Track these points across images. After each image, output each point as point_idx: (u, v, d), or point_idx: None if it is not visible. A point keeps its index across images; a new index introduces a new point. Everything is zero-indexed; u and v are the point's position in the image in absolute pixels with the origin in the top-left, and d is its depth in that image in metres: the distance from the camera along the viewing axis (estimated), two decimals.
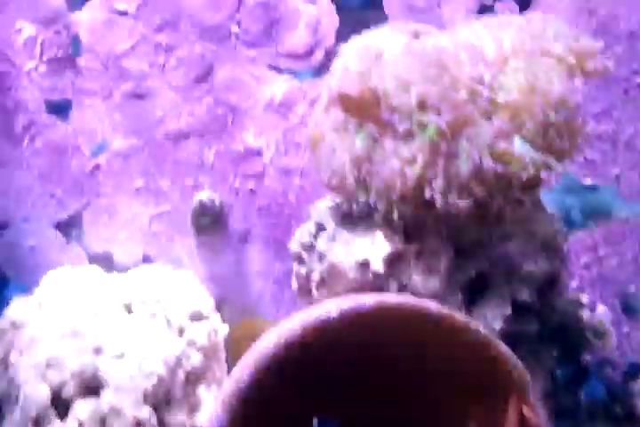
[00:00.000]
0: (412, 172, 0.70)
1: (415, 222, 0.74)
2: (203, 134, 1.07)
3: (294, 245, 0.87)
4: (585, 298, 0.87)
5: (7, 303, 0.97)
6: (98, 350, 0.74)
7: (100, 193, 1.08)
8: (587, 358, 0.83)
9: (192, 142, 1.07)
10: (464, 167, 0.67)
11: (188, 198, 1.06)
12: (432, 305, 0.66)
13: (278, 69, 1.07)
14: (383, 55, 0.77)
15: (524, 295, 0.73)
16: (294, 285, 0.89)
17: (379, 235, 0.77)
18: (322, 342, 0.67)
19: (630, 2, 0.99)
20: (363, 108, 0.77)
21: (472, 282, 0.74)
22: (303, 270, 0.86)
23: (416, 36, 0.81)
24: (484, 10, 1.02)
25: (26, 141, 1.07)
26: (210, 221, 1.01)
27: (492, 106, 0.67)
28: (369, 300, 0.66)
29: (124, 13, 1.07)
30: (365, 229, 0.80)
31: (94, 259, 1.06)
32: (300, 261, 0.86)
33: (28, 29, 1.07)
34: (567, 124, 0.65)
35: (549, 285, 0.74)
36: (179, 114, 1.07)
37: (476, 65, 0.68)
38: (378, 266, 0.75)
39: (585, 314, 0.84)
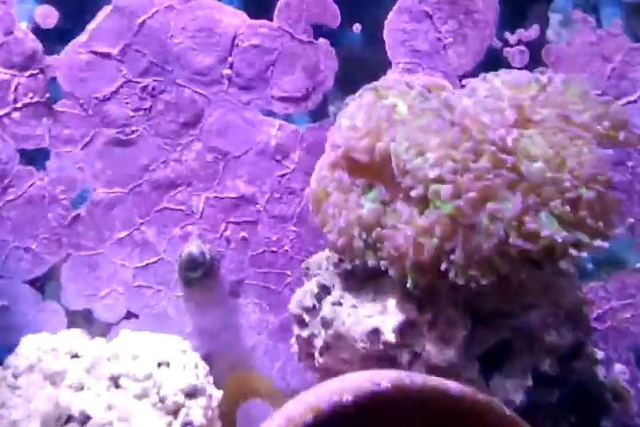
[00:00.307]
0: (430, 243, 0.66)
1: (430, 290, 0.70)
2: (191, 182, 1.02)
3: (295, 307, 0.82)
4: (600, 355, 0.84)
5: None
6: None
7: (80, 246, 1.01)
8: (607, 424, 0.79)
9: (180, 190, 1.02)
10: (486, 243, 0.63)
11: (175, 249, 1.01)
12: (453, 386, 0.62)
13: (273, 114, 1.03)
14: (394, 112, 0.73)
15: (546, 366, 0.69)
16: (295, 348, 0.84)
17: (390, 302, 0.73)
18: (335, 424, 0.62)
19: None
20: (371, 170, 0.73)
21: (491, 352, 0.70)
22: (305, 334, 0.81)
23: (428, 90, 0.78)
24: (492, 53, 1.00)
25: None
26: (200, 275, 0.96)
27: (515, 174, 0.63)
28: (385, 381, 0.61)
29: (106, 56, 1.01)
30: (374, 293, 0.75)
31: (73, 317, 0.99)
32: (302, 324, 0.82)
33: (0, 73, 1.01)
34: (600, 201, 0.61)
35: (573, 355, 0.71)
36: (166, 161, 1.02)
37: (497, 128, 0.64)
38: (389, 335, 0.71)
39: (602, 374, 0.80)
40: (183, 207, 1.02)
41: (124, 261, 1.01)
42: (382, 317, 0.72)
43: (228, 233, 1.02)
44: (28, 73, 1.00)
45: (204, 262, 0.96)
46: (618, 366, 0.90)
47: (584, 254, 0.62)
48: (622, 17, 0.97)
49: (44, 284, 1.00)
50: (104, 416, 0.71)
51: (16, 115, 1.00)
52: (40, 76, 1.01)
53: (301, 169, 1.02)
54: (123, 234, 1.01)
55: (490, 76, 0.74)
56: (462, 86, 0.79)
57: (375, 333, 0.72)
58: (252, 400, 0.98)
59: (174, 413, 0.74)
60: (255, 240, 1.02)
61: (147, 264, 1.01)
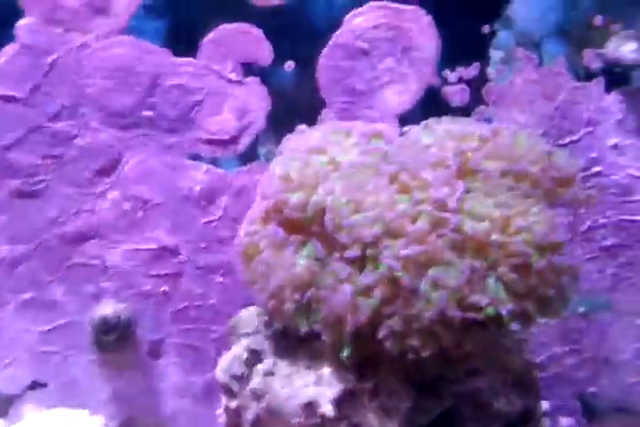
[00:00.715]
0: (368, 305, 0.60)
1: (370, 357, 0.64)
2: (106, 234, 0.93)
3: (222, 375, 0.74)
4: (545, 405, 0.79)
5: None
6: None
7: None
8: None
9: (93, 244, 0.93)
10: (427, 311, 0.57)
11: (87, 309, 0.91)
12: None
13: (199, 157, 0.95)
14: (331, 164, 0.68)
15: None
16: (222, 419, 0.75)
17: (327, 370, 0.66)
18: None
19: (587, 88, 0.95)
20: (305, 223, 0.67)
21: (436, 422, 0.64)
22: (233, 405, 0.73)
23: (367, 138, 0.73)
24: (432, 92, 0.95)
25: None
26: (114, 338, 0.86)
27: (459, 234, 0.58)
28: None
29: (11, 99, 0.92)
30: (310, 359, 0.68)
31: None
32: (230, 393, 0.73)
33: None
34: (551, 269, 0.57)
35: (522, 422, 0.65)
36: (77, 212, 0.92)
37: (440, 185, 0.59)
38: (327, 408, 0.64)
39: None
40: (97, 262, 0.92)
41: (29, 324, 0.90)
42: (318, 387, 0.65)
43: (147, 288, 0.93)
44: None
45: (119, 324, 0.86)
46: (564, 421, 0.86)
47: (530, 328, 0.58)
48: (565, 55, 0.96)
49: None
50: None
51: None
52: None
53: (229, 216, 0.94)
54: (28, 295, 0.91)
55: (432, 123, 0.70)
56: (402, 134, 0.75)
57: (311, 405, 0.65)
58: None
59: None
60: (178, 294, 0.93)
61: (54, 327, 0.91)
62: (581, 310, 0.94)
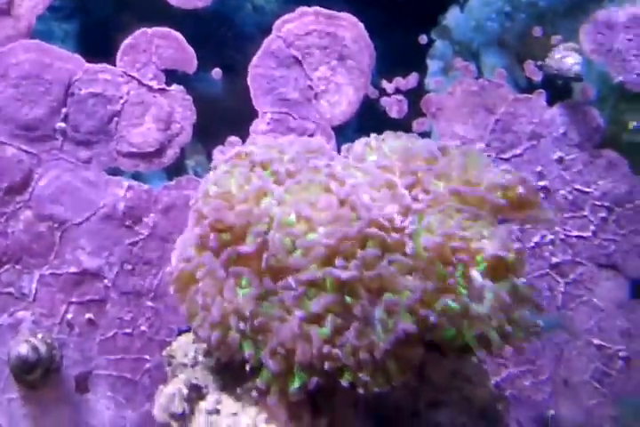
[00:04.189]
0: (319, 334, 0.57)
1: (324, 389, 0.60)
2: (20, 258, 0.84)
3: (160, 413, 0.68)
4: None
5: None
6: None
7: None
8: None
9: (7, 269, 0.84)
10: (382, 340, 0.54)
11: (4, 341, 0.82)
12: None
13: (120, 172, 0.88)
14: (271, 181, 0.64)
15: None
16: None
17: (277, 407, 0.62)
18: None
19: (529, 101, 0.93)
20: (247, 253, 0.62)
21: None
22: None
23: (306, 151, 0.69)
24: (369, 103, 0.92)
25: None
26: (39, 376, 0.78)
27: (410, 260, 0.55)
28: None
29: None
30: (258, 394, 0.64)
31: None
32: None
33: None
34: (511, 291, 0.55)
35: None
36: None
37: (388, 208, 0.56)
38: None
39: None
40: (11, 289, 0.84)
41: None
42: (268, 426, 0.61)
43: (69, 316, 0.85)
44: None
45: (41, 360, 0.78)
46: None
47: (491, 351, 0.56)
48: (504, 66, 0.95)
49: None
50: None
51: None
52: None
53: (157, 235, 0.88)
54: None
55: (375, 142, 0.66)
56: (346, 150, 0.71)
57: None
58: None
59: None
60: (104, 322, 0.86)
61: None
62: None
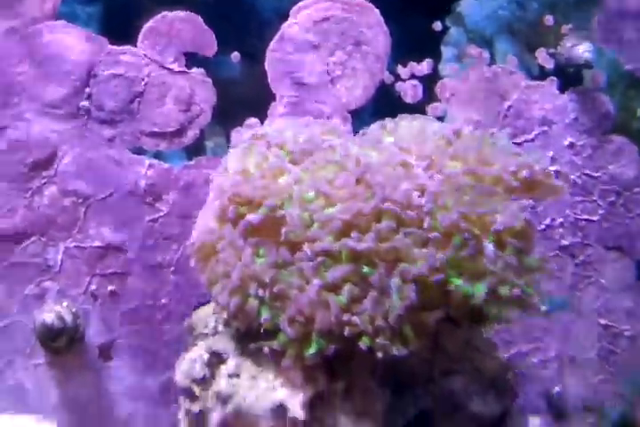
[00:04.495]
0: (336, 302, 0.60)
1: (341, 355, 0.64)
2: (46, 231, 0.88)
3: (182, 378, 0.72)
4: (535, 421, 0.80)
5: None
6: None
7: None
8: None
9: (33, 241, 0.87)
10: (398, 307, 0.57)
11: (30, 309, 0.86)
12: None
13: (142, 151, 0.91)
14: (291, 159, 0.66)
15: None
16: (184, 423, 0.73)
17: (295, 371, 0.65)
18: None
19: (541, 88, 0.95)
20: (268, 224, 0.65)
21: (412, 423, 0.65)
22: (196, 408, 0.71)
23: (322, 133, 0.71)
24: (384, 87, 0.94)
25: None
26: (64, 344, 0.82)
27: (425, 233, 0.58)
28: None
29: None
30: (276, 360, 0.67)
31: None
32: (192, 397, 0.71)
33: None
34: (522, 260, 0.58)
35: (497, 423, 0.67)
36: (13, 208, 0.87)
37: (405, 187, 0.59)
38: (296, 411, 0.63)
39: None
40: (38, 260, 0.87)
41: None
42: (287, 389, 0.64)
43: (93, 288, 0.89)
44: None
45: (66, 329, 0.82)
46: (532, 421, 0.87)
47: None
48: (516, 53, 0.97)
49: None
50: None
51: None
52: None
53: (177, 212, 0.91)
54: None
55: (391, 124, 0.69)
56: (356, 133, 0.74)
57: (280, 408, 0.64)
58: None
59: None
60: (127, 294, 0.90)
61: None
62: (543, 308, 0.95)
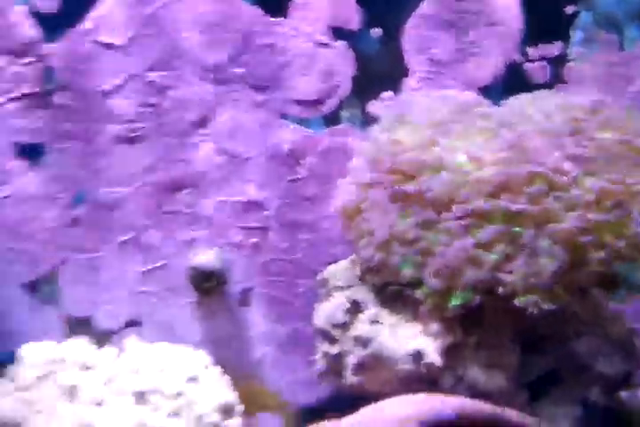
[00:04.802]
0: (489, 258, 0.65)
1: (477, 310, 0.69)
2: (199, 184, 0.97)
3: (323, 322, 0.79)
4: None
5: None
6: None
7: (79, 248, 0.95)
8: None
9: (187, 193, 0.97)
10: (549, 266, 0.62)
11: (182, 254, 0.96)
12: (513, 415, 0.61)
13: (287, 116, 0.99)
14: (442, 128, 0.72)
15: (595, 396, 0.70)
16: (321, 363, 0.81)
17: (433, 322, 0.71)
18: None
19: None
20: (417, 192, 0.71)
21: (540, 380, 0.70)
22: (334, 351, 0.78)
23: (467, 104, 0.77)
24: (513, 67, 0.98)
25: None
26: (215, 284, 0.91)
27: (576, 196, 0.63)
28: (449, 409, 0.60)
29: (110, 46, 0.95)
30: (413, 312, 0.74)
31: (72, 324, 0.93)
32: (330, 340, 0.79)
33: None
34: None
35: (622, 385, 0.72)
36: (172, 161, 0.97)
37: (557, 154, 0.64)
38: (434, 358, 0.70)
39: None
40: (190, 210, 0.97)
41: (128, 265, 0.95)
42: (425, 338, 0.71)
43: (237, 239, 0.98)
44: (24, 61, 0.93)
45: (215, 272, 0.91)
46: None
47: None
48: None
49: (40, 288, 0.94)
50: None
51: (11, 105, 0.93)
52: (37, 65, 0.93)
53: (315, 176, 0.99)
54: (126, 237, 0.95)
55: (532, 96, 0.73)
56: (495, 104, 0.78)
57: (418, 355, 0.70)
58: (260, 414, 0.95)
59: None
60: (265, 247, 0.98)
61: (151, 269, 0.96)
62: None
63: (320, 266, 0.96)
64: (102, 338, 0.91)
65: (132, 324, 0.95)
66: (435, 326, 0.70)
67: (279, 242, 0.98)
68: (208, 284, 0.91)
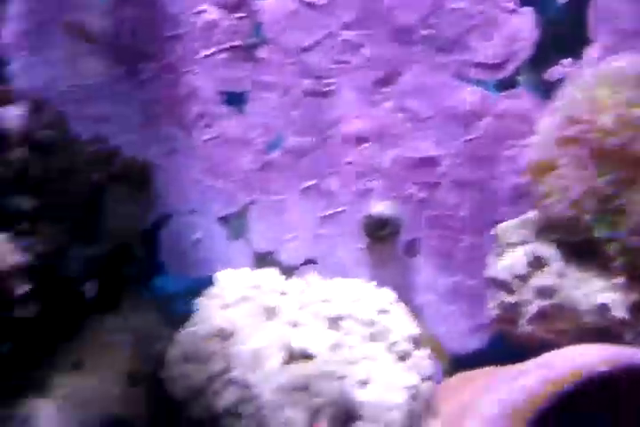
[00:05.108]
0: None
1: None
2: (379, 138, 1.04)
3: (504, 273, 0.84)
4: None
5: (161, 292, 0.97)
6: (340, 377, 0.72)
7: (269, 190, 1.04)
8: None
9: (367, 145, 1.04)
10: None
11: (359, 202, 1.03)
12: None
13: (467, 78, 1.03)
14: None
15: None
16: (496, 311, 0.86)
17: (619, 279, 0.75)
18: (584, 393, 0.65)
19: None
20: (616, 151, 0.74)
21: None
22: (512, 300, 0.83)
23: None
24: None
25: (197, 131, 1.03)
26: (389, 233, 0.98)
27: None
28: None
29: (312, 5, 1.02)
30: (599, 268, 0.77)
31: (257, 257, 1.03)
32: (508, 290, 0.84)
33: (209, 13, 1.02)
34: None
35: None
36: (358, 115, 1.03)
37: None
38: (620, 312, 0.73)
39: None
40: (370, 162, 1.04)
41: (309, 209, 1.04)
42: (610, 293, 0.74)
43: (409, 192, 1.04)
44: (235, 15, 1.02)
45: (390, 220, 0.98)
46: None
47: None
48: None
49: (232, 223, 1.04)
50: (330, 356, 0.74)
51: (220, 56, 1.02)
52: (247, 19, 1.02)
53: (489, 137, 1.02)
54: (310, 182, 1.04)
55: None
56: None
57: (603, 308, 0.74)
58: None
59: (402, 360, 0.78)
60: (434, 202, 1.04)
61: (330, 214, 1.04)
62: None
63: (484, 226, 1.01)
64: (284, 273, 1.01)
65: (309, 263, 1.04)
66: (624, 282, 0.74)
67: (448, 198, 1.03)
68: (382, 232, 0.98)
